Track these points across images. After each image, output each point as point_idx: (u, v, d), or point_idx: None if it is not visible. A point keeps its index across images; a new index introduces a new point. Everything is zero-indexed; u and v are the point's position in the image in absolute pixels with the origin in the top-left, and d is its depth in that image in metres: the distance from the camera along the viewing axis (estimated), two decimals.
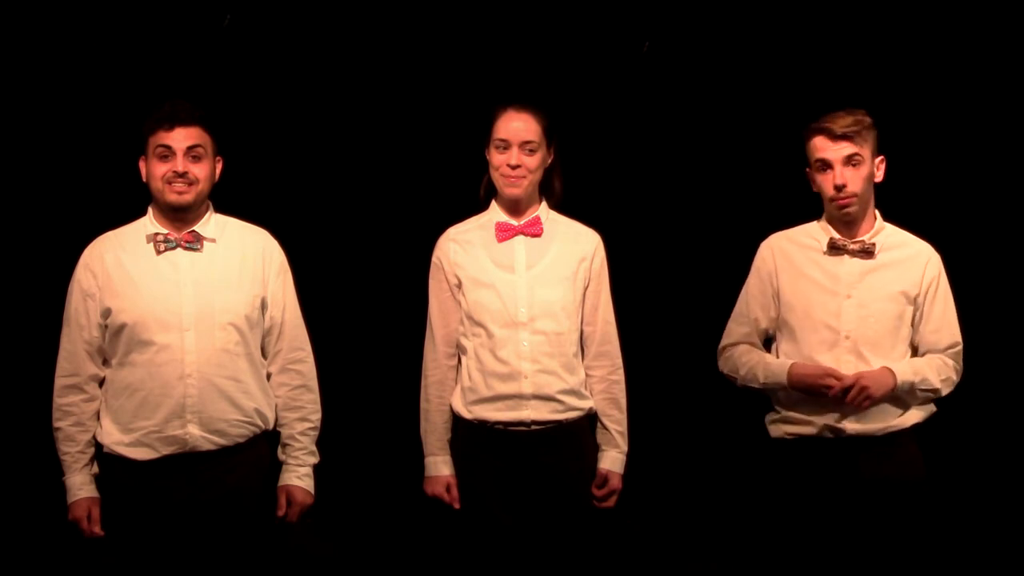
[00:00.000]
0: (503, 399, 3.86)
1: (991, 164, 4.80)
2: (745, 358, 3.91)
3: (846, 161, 3.76)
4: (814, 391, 3.77)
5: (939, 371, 3.83)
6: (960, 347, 3.88)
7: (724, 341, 3.99)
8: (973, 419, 4.71)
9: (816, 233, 3.90)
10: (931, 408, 3.88)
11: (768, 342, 3.98)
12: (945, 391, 3.85)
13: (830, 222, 3.87)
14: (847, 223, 3.84)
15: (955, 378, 3.87)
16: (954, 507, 4.63)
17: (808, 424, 3.82)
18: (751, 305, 3.95)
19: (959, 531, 4.68)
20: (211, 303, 3.69)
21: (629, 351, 4.04)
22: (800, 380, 3.80)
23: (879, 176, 3.84)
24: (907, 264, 3.86)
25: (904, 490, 3.79)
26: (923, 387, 3.80)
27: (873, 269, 3.84)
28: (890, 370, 3.77)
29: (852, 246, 3.84)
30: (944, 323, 3.86)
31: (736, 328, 3.97)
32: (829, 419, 3.79)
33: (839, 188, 3.77)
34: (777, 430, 3.90)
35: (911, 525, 3.79)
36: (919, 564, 3.81)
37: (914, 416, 3.84)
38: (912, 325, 3.85)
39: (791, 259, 3.91)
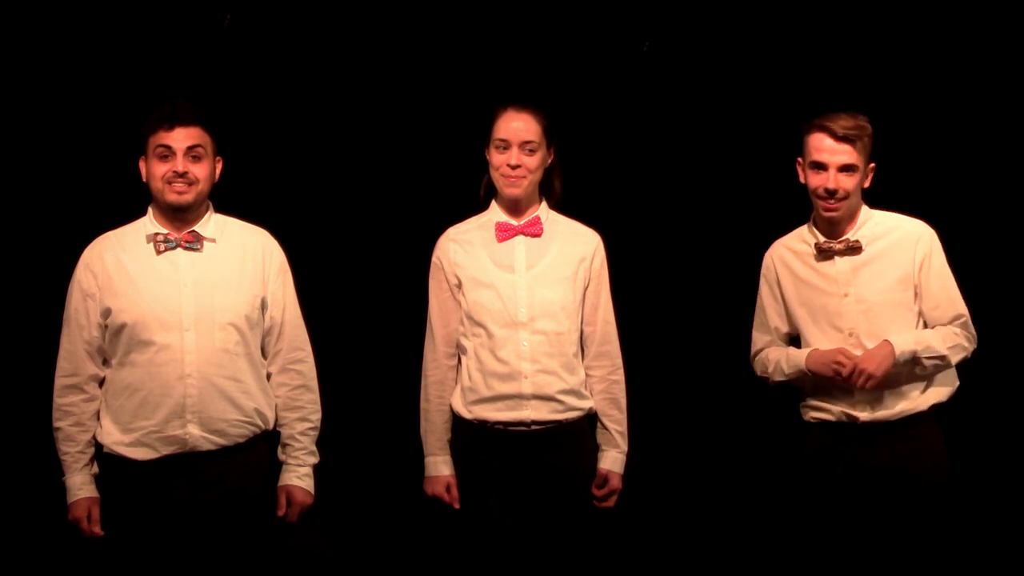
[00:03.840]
0: (503, 399, 3.85)
1: (988, 152, 4.81)
2: (772, 355, 3.95)
3: (841, 167, 3.77)
4: (828, 375, 3.79)
5: (945, 339, 3.82)
6: (966, 318, 3.86)
7: (753, 349, 4.04)
8: (997, 400, 4.70)
9: (807, 237, 3.92)
10: (952, 386, 3.87)
11: (794, 343, 4.00)
12: (956, 358, 3.83)
13: (816, 223, 3.89)
14: (831, 223, 3.85)
15: (967, 345, 3.85)
16: (976, 491, 4.61)
17: (828, 412, 3.86)
18: (768, 314, 3.99)
19: (981, 515, 4.66)
20: (211, 303, 3.69)
21: (629, 351, 4.03)
22: (815, 365, 3.82)
23: (867, 183, 3.85)
24: (897, 249, 3.86)
25: (924, 473, 3.79)
26: (927, 355, 3.79)
27: (864, 263, 3.85)
28: (888, 343, 3.77)
29: (838, 246, 3.85)
30: (943, 297, 3.86)
31: (760, 336, 4.01)
32: (844, 407, 3.82)
33: (830, 193, 3.78)
34: (806, 414, 3.94)
35: (931, 509, 3.79)
36: (939, 549, 3.80)
37: (931, 397, 3.84)
38: (915, 305, 3.86)
39: (790, 266, 3.93)
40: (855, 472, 3.81)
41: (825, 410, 3.87)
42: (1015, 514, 4.76)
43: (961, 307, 3.87)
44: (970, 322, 3.87)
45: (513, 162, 3.86)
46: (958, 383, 3.89)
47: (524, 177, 3.87)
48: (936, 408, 3.85)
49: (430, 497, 3.95)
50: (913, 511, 3.78)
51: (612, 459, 3.96)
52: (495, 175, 3.92)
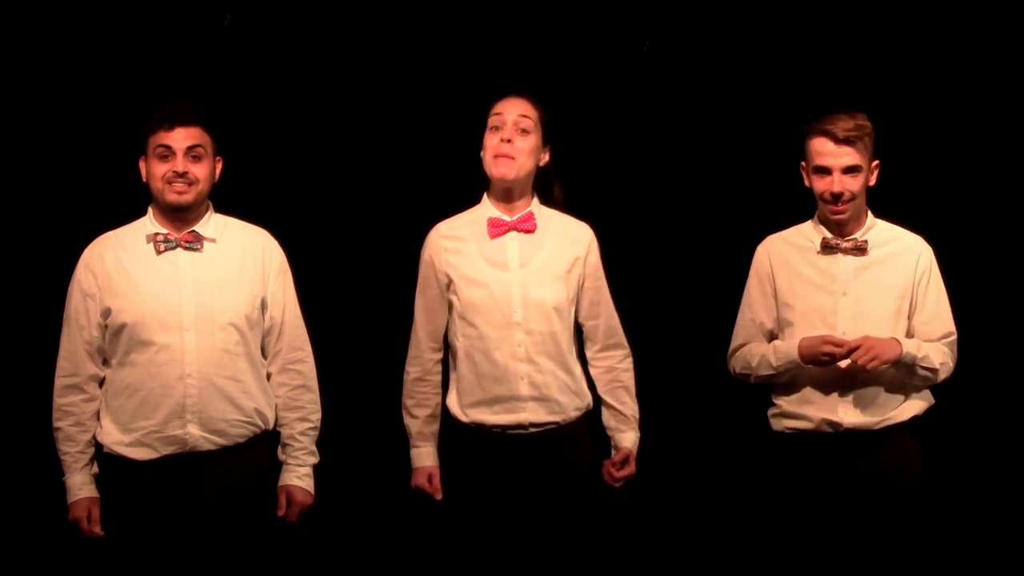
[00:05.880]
0: (500, 401, 3.82)
1: (984, 160, 4.82)
2: (755, 350, 3.93)
3: (845, 170, 3.78)
4: (820, 362, 3.78)
5: (939, 354, 3.84)
6: (954, 337, 3.90)
7: (732, 345, 4.01)
8: (972, 413, 4.73)
9: (809, 233, 3.92)
10: (928, 401, 3.90)
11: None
12: (942, 376, 3.86)
13: (822, 222, 3.89)
14: (839, 224, 3.86)
15: (951, 365, 3.89)
16: (951, 501, 4.64)
17: (806, 419, 3.84)
18: (754, 308, 3.96)
19: (956, 526, 4.69)
20: (211, 303, 3.69)
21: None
22: (807, 352, 3.80)
23: (872, 180, 3.86)
24: (900, 258, 3.88)
25: (900, 484, 3.81)
26: (924, 364, 3.80)
27: (867, 266, 3.86)
28: (896, 339, 3.78)
29: (845, 244, 3.86)
30: (937, 313, 3.88)
31: (742, 332, 3.99)
32: (827, 412, 3.81)
33: (836, 196, 3.78)
34: (778, 424, 3.92)
35: (907, 520, 3.81)
36: (916, 559, 3.81)
37: (911, 409, 3.85)
38: (908, 318, 3.87)
39: (787, 260, 3.92)
40: (835, 482, 3.80)
41: (803, 418, 3.85)
42: (982, 523, 4.80)
43: (952, 326, 3.90)
44: (956, 343, 3.90)
45: (506, 136, 3.79)
46: (933, 400, 3.91)
47: (515, 158, 3.79)
48: (914, 420, 3.86)
49: (414, 489, 3.92)
50: (892, 518, 3.79)
51: (633, 440, 3.92)
52: (488, 160, 3.82)
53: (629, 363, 3.97)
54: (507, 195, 3.88)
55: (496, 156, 3.81)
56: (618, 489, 3.95)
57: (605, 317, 3.94)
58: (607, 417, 3.94)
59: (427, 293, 3.91)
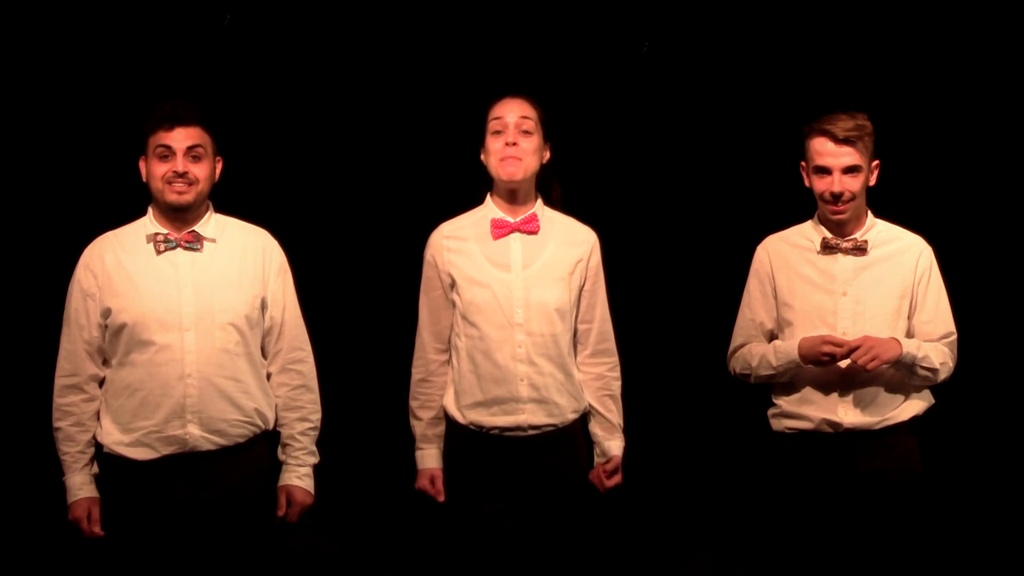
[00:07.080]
0: (499, 403, 3.82)
1: (984, 160, 4.83)
2: (756, 350, 3.93)
3: (845, 170, 3.78)
4: (820, 362, 3.78)
5: (939, 354, 3.84)
6: (954, 337, 3.90)
7: (731, 346, 4.02)
8: (972, 413, 4.73)
9: (809, 233, 3.92)
10: (928, 401, 3.90)
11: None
12: (942, 376, 3.86)
13: (822, 221, 3.90)
14: (839, 224, 3.86)
15: (951, 365, 3.89)
16: (952, 501, 4.65)
17: (806, 419, 3.84)
18: (754, 307, 3.96)
19: (956, 525, 4.69)
20: (211, 303, 3.69)
21: (624, 349, 4.02)
22: (807, 352, 3.80)
23: (872, 180, 3.86)
24: (899, 258, 3.88)
25: (901, 485, 3.81)
26: (924, 364, 3.80)
27: (867, 266, 3.86)
28: (896, 339, 3.78)
29: (845, 244, 3.86)
30: (937, 313, 3.88)
31: (742, 332, 3.99)
32: (827, 412, 3.81)
33: (836, 196, 3.79)
34: (778, 424, 3.92)
35: (908, 520, 3.81)
36: (916, 558, 3.81)
37: (911, 409, 3.85)
38: (908, 318, 3.87)
39: (786, 259, 3.92)
40: (835, 482, 3.80)
41: (803, 418, 3.85)
42: (982, 522, 4.81)
43: (952, 325, 3.90)
44: (956, 343, 3.90)
45: (511, 139, 3.81)
46: (934, 400, 3.91)
47: (521, 159, 3.81)
48: (914, 420, 3.86)
49: (417, 491, 3.93)
50: (892, 518, 3.79)
51: (621, 448, 3.92)
52: (492, 163, 3.84)
53: (618, 371, 3.97)
54: (512, 196, 3.90)
55: (503, 159, 3.82)
56: (616, 490, 3.96)
57: (599, 322, 3.94)
58: (594, 424, 3.95)
59: (431, 294, 3.92)
